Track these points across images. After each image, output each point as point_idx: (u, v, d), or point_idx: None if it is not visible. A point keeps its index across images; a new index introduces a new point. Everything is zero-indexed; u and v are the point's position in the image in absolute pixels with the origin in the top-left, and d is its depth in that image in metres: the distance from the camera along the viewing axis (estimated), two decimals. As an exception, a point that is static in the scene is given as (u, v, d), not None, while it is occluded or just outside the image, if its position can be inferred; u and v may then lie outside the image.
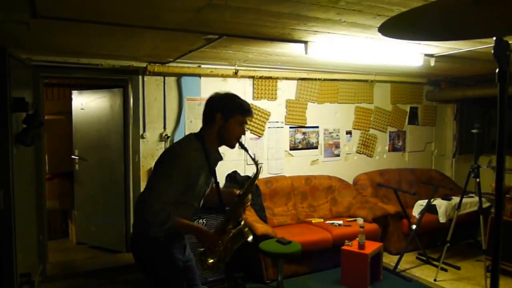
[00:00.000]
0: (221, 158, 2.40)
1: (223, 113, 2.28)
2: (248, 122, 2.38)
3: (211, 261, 2.30)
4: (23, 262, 3.18)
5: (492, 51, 1.17)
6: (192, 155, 2.20)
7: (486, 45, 3.40)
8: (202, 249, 2.34)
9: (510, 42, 1.22)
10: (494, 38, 1.16)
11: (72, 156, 5.57)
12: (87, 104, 5.43)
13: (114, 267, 4.75)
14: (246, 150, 2.39)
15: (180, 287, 2.34)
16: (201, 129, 2.36)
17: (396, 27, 1.22)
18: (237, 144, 2.37)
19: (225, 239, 2.28)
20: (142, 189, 4.63)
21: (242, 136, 2.38)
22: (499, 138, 1.15)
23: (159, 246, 2.24)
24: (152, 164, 4.65)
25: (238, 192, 2.44)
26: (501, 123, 1.15)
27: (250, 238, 2.33)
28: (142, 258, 2.33)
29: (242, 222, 2.35)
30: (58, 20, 2.62)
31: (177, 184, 2.16)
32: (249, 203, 2.42)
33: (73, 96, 5.58)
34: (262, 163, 2.45)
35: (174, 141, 4.62)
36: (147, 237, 2.23)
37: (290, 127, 5.42)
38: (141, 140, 4.65)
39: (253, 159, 2.39)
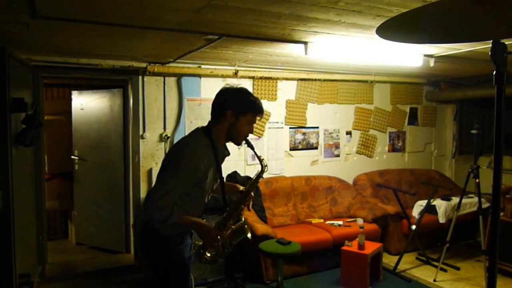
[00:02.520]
0: (228, 154, 2.36)
1: (235, 110, 2.22)
2: (256, 121, 2.31)
3: (209, 255, 2.34)
4: (22, 263, 3.18)
5: (489, 53, 1.18)
6: (199, 154, 2.17)
7: (485, 45, 3.40)
8: (201, 242, 2.36)
9: (507, 43, 1.22)
10: (491, 41, 1.17)
11: (72, 156, 5.56)
12: (87, 104, 5.43)
13: (114, 268, 4.75)
14: (252, 148, 2.35)
15: (187, 285, 2.37)
16: (209, 122, 2.31)
17: (394, 29, 1.22)
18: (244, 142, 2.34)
19: (224, 235, 2.30)
20: (142, 190, 4.70)
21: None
22: (496, 139, 1.16)
23: (170, 243, 2.28)
24: (152, 165, 4.66)
25: (241, 188, 2.45)
26: (498, 124, 1.16)
27: (249, 235, 2.34)
28: (152, 253, 2.34)
29: (243, 219, 2.36)
30: (58, 20, 2.61)
31: (184, 183, 2.16)
32: (251, 200, 2.40)
33: (72, 96, 5.58)
34: (266, 162, 2.44)
35: (174, 142, 4.65)
36: (158, 234, 2.26)
37: (290, 128, 5.42)
38: (141, 140, 4.64)
39: (259, 157, 2.39)
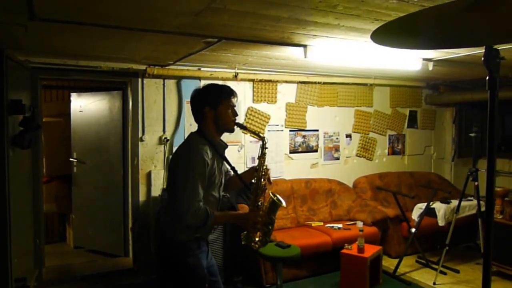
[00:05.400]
0: (226, 145, 2.48)
1: (210, 105, 2.36)
2: (235, 103, 2.44)
3: (257, 239, 2.43)
4: (18, 267, 3.15)
5: (482, 59, 1.18)
6: (201, 149, 2.27)
7: (483, 50, 3.40)
8: (244, 232, 2.44)
9: (500, 48, 1.22)
10: (484, 47, 1.17)
11: (71, 159, 5.55)
12: (86, 107, 5.42)
13: (112, 271, 4.72)
14: (245, 128, 2.54)
15: None
16: (198, 126, 2.44)
17: (389, 35, 1.22)
18: (236, 126, 2.45)
19: (260, 214, 2.41)
20: (140, 192, 4.67)
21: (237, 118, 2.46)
22: (489, 142, 1.16)
23: (187, 250, 2.32)
24: (151, 168, 4.65)
25: (255, 167, 2.56)
26: (491, 128, 1.16)
27: (284, 203, 2.48)
28: (169, 262, 2.39)
29: (270, 193, 2.47)
30: (57, 22, 2.61)
31: (201, 181, 2.24)
32: (269, 171, 2.51)
33: (71, 98, 5.56)
34: (265, 136, 2.63)
35: (174, 145, 4.65)
36: (174, 241, 2.32)
37: (290, 130, 5.42)
38: (140, 143, 4.63)
39: (254, 132, 2.62)
